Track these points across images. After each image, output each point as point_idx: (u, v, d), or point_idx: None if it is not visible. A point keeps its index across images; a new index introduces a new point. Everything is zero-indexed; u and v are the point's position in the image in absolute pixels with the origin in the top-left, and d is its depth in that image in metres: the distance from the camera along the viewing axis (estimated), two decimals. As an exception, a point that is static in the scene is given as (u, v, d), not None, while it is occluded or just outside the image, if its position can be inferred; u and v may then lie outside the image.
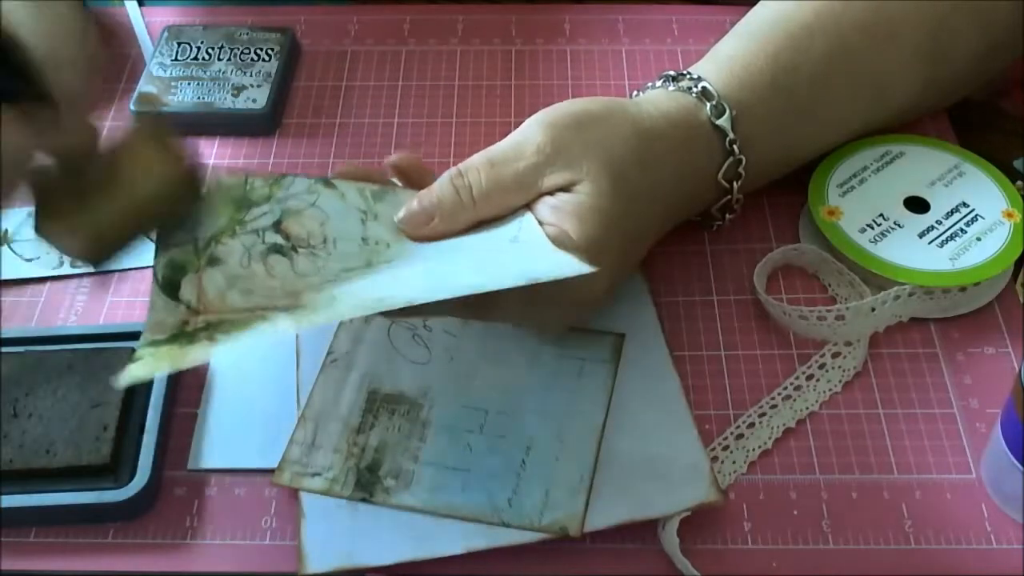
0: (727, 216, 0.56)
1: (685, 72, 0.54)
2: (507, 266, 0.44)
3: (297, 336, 0.53)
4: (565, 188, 0.48)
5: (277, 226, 0.48)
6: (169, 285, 0.46)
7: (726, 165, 0.53)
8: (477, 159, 0.48)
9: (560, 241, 0.46)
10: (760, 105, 0.54)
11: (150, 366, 0.43)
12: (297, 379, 0.52)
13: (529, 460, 0.48)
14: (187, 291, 0.46)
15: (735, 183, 0.54)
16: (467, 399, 0.50)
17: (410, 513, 0.47)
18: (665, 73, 0.55)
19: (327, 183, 0.50)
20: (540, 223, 0.47)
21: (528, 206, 0.48)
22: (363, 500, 0.47)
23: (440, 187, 0.48)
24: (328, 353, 0.52)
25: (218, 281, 0.46)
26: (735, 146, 0.52)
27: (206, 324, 0.45)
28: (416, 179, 0.51)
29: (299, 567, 0.45)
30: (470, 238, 0.48)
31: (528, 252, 0.45)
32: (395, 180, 0.52)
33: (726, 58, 0.55)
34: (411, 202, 0.49)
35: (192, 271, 0.47)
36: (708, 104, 0.52)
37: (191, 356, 0.42)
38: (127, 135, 0.46)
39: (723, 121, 0.52)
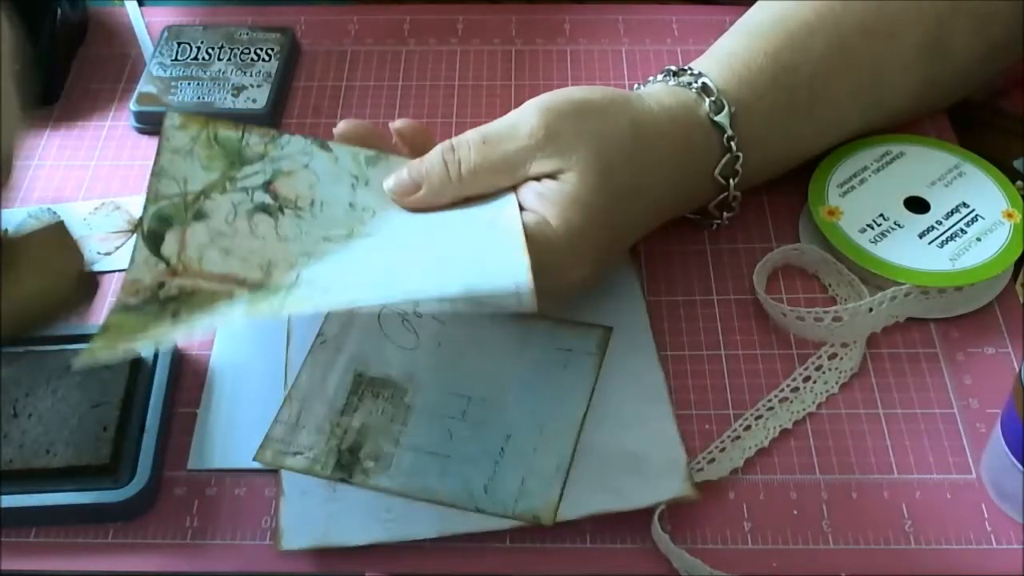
0: (725, 214, 0.56)
1: (686, 68, 0.55)
2: (458, 271, 0.45)
3: (289, 318, 0.54)
4: (552, 175, 0.48)
5: (267, 186, 0.50)
6: (154, 237, 0.48)
7: (723, 162, 0.53)
8: (471, 135, 0.49)
9: (539, 228, 0.47)
10: (759, 103, 0.54)
11: (111, 341, 0.44)
12: (286, 360, 0.52)
13: (508, 448, 0.48)
14: (170, 245, 0.48)
15: (732, 180, 0.54)
16: (451, 386, 0.51)
17: (387, 496, 0.47)
18: (666, 68, 0.55)
19: (323, 145, 0.51)
20: (523, 208, 0.48)
21: (514, 189, 0.49)
22: (342, 481, 0.47)
23: (431, 159, 0.49)
24: (318, 335, 0.53)
25: (201, 236, 0.48)
26: (733, 143, 0.53)
27: (178, 292, 0.46)
28: (419, 146, 0.52)
29: (275, 543, 0.46)
30: (452, 214, 0.49)
31: (489, 253, 0.46)
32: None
33: (726, 55, 0.55)
34: (401, 170, 0.50)
35: (178, 224, 0.48)
36: (707, 100, 0.52)
37: (151, 334, 0.44)
38: (27, 232, 0.45)
39: (722, 117, 0.52)
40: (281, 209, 0.49)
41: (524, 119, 0.49)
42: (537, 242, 0.46)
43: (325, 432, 0.49)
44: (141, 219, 0.48)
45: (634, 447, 0.48)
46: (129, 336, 0.44)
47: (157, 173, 0.49)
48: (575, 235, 0.47)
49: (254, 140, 0.51)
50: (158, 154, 0.50)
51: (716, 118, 0.52)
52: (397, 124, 0.52)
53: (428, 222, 0.50)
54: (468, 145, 0.49)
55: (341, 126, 0.52)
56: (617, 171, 0.49)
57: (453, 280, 0.44)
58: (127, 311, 0.46)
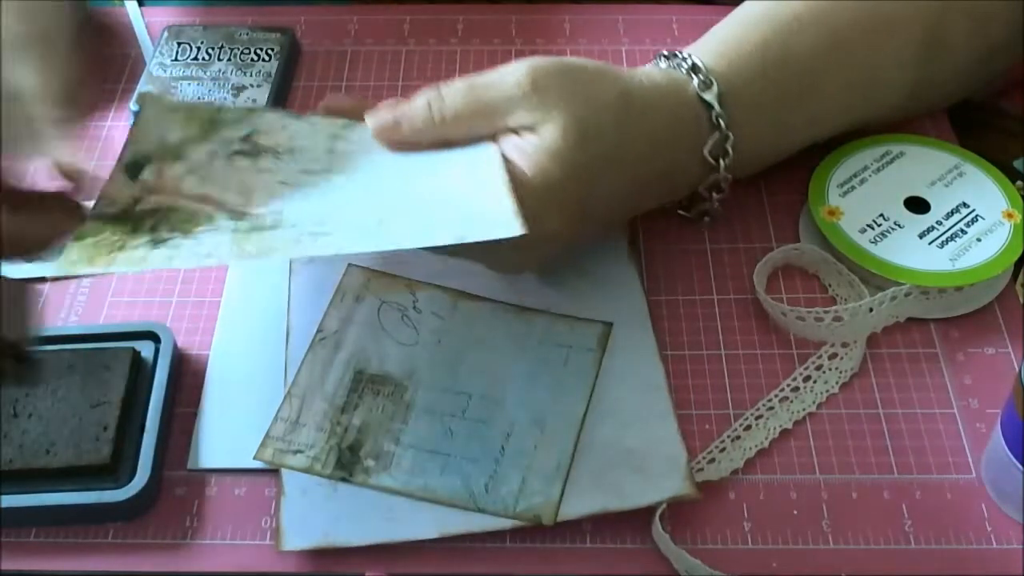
0: (715, 195, 0.56)
1: (676, 52, 0.55)
2: (446, 220, 0.45)
3: (288, 314, 0.54)
4: (531, 128, 0.48)
5: (245, 139, 0.50)
6: (132, 168, 0.48)
7: (712, 141, 0.53)
8: (458, 82, 0.50)
9: (515, 178, 0.47)
10: (749, 88, 0.54)
11: (87, 252, 0.43)
12: (286, 358, 0.52)
13: (508, 446, 0.48)
14: (148, 173, 0.48)
15: (722, 161, 0.54)
16: (452, 383, 0.51)
17: (388, 495, 0.47)
18: (659, 53, 0.56)
19: (297, 117, 0.51)
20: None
21: (494, 139, 0.49)
22: (342, 480, 0.47)
23: (415, 101, 0.50)
24: (317, 332, 0.53)
25: (178, 170, 0.48)
26: (721, 121, 0.53)
27: (155, 208, 0.46)
28: None
29: (276, 543, 0.46)
30: (433, 156, 0.49)
31: (472, 200, 0.46)
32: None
33: (717, 40, 0.55)
34: (383, 108, 0.50)
35: (157, 161, 0.48)
36: (696, 78, 0.53)
37: (129, 251, 0.43)
38: None
39: (710, 96, 0.52)
40: (259, 153, 0.49)
41: (512, 70, 0.49)
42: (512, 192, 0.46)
43: (325, 430, 0.49)
44: (119, 160, 0.48)
45: (635, 445, 0.48)
46: (107, 249, 0.44)
47: (134, 129, 0.50)
48: (552, 186, 0.47)
49: (230, 115, 0.51)
50: (136, 122, 0.50)
51: (704, 96, 0.52)
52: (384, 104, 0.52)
53: (408, 163, 0.50)
54: (454, 90, 0.49)
55: (328, 99, 0.53)
56: (602, 134, 0.49)
57: (444, 229, 0.44)
58: (102, 220, 0.45)
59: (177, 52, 0.68)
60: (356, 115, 0.52)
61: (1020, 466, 0.45)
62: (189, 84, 0.66)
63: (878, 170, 0.59)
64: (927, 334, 0.54)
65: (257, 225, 0.46)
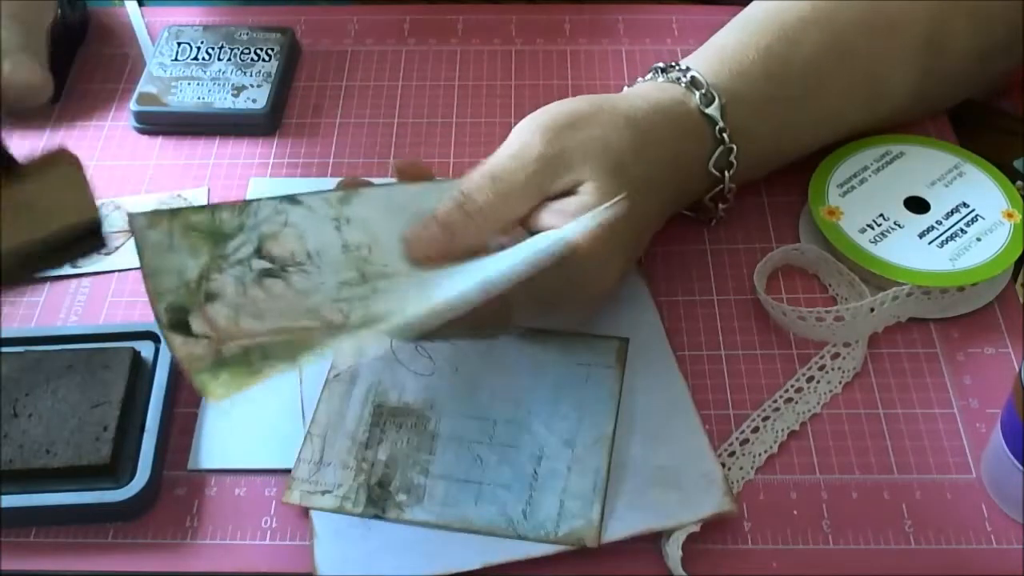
0: (720, 206, 0.56)
1: (673, 64, 0.55)
2: (513, 253, 0.44)
3: None
4: (569, 191, 0.48)
5: (258, 252, 0.47)
6: (177, 325, 0.44)
7: (717, 154, 0.53)
8: (479, 178, 0.48)
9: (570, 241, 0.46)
10: (752, 95, 0.54)
11: (227, 388, 0.41)
12: (300, 393, 0.51)
13: (540, 470, 0.48)
14: (197, 324, 0.44)
15: (727, 172, 0.54)
16: (474, 409, 0.50)
17: (424, 528, 0.46)
18: (654, 66, 0.56)
19: (292, 200, 0.48)
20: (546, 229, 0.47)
21: (534, 210, 0.48)
22: (375, 517, 0.46)
23: (448, 211, 0.47)
24: (330, 369, 0.52)
25: (224, 311, 0.45)
26: (725, 135, 0.53)
27: (244, 351, 0.43)
28: (416, 179, 0.50)
29: None
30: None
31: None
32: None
33: (717, 49, 0.55)
34: (419, 229, 0.47)
35: (195, 308, 0.45)
36: (697, 93, 0.53)
37: (271, 371, 0.41)
38: (42, 159, 0.43)
39: (712, 109, 0.52)
40: (284, 269, 0.47)
41: (527, 144, 0.48)
42: (566, 256, 0.45)
43: (351, 468, 0.48)
44: (157, 319, 0.44)
45: (668, 462, 0.48)
46: (246, 374, 0.41)
47: (149, 274, 0.45)
48: (603, 243, 0.46)
49: (225, 215, 0.48)
50: (140, 256, 0.46)
51: (707, 110, 0.52)
52: (398, 163, 0.51)
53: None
54: (482, 189, 0.47)
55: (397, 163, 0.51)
56: (626, 168, 0.49)
57: (515, 257, 0.42)
58: (210, 372, 0.42)
59: (177, 52, 0.68)
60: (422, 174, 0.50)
61: (1020, 466, 0.45)
62: (189, 84, 0.66)
63: (878, 170, 0.59)
64: (927, 334, 0.54)
65: (367, 319, 0.44)
